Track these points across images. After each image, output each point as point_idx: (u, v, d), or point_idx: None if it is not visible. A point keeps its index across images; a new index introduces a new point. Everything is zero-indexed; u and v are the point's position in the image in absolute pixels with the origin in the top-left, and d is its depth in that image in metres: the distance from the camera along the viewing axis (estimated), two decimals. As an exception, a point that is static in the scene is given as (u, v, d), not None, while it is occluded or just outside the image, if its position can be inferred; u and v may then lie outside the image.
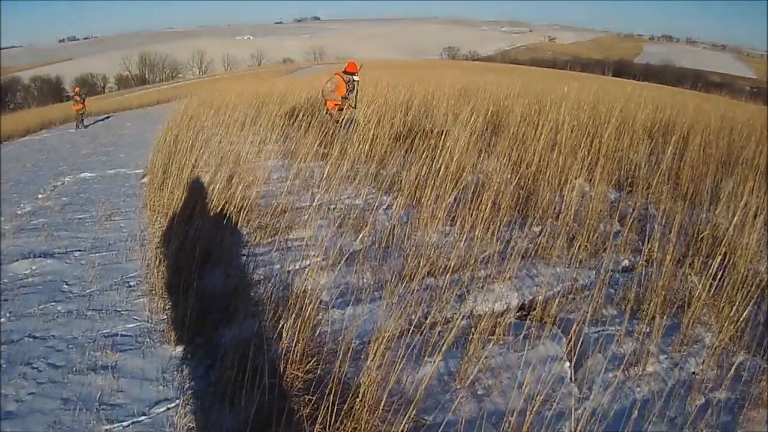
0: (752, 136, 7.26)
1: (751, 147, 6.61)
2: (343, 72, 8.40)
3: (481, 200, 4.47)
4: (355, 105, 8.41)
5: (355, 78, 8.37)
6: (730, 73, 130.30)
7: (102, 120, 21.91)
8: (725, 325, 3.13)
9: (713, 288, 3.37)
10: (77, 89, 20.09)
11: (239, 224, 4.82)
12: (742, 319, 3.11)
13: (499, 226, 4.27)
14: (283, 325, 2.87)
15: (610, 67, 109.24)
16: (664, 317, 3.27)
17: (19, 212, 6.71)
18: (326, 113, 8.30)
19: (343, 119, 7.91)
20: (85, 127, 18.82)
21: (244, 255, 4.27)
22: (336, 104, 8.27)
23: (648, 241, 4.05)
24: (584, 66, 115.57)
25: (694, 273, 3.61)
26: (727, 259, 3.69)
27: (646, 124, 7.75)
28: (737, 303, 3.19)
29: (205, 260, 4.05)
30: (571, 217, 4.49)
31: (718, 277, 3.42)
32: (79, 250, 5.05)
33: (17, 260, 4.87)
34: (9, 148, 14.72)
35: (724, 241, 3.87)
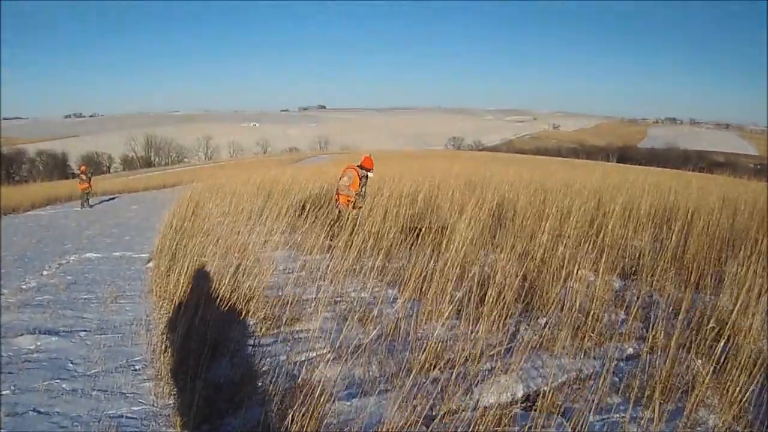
0: (754, 215, 7.49)
1: (753, 226, 6.81)
2: (358, 167, 8.50)
3: (486, 293, 4.58)
4: (365, 199, 8.55)
5: (370, 174, 8.54)
6: (734, 152, 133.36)
7: (108, 200, 22.34)
8: (728, 406, 3.21)
9: (717, 371, 3.46)
10: (83, 168, 20.55)
11: (245, 314, 4.93)
12: (745, 399, 3.20)
13: (505, 319, 4.38)
14: (289, 416, 2.95)
15: (615, 153, 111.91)
16: (668, 402, 3.34)
17: (24, 287, 6.84)
18: (336, 207, 8.40)
19: (355, 215, 7.98)
20: (90, 206, 19.09)
21: (250, 345, 4.37)
22: (349, 199, 8.32)
23: (652, 329, 4.13)
24: (589, 153, 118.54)
25: (697, 357, 3.70)
26: (730, 342, 3.77)
27: (649, 211, 7.93)
28: (741, 384, 3.27)
29: (212, 349, 4.15)
30: (576, 307, 4.58)
31: (722, 359, 3.51)
32: (85, 330, 5.14)
33: (22, 335, 4.97)
34: (15, 221, 14.99)
35: (728, 324, 3.99)
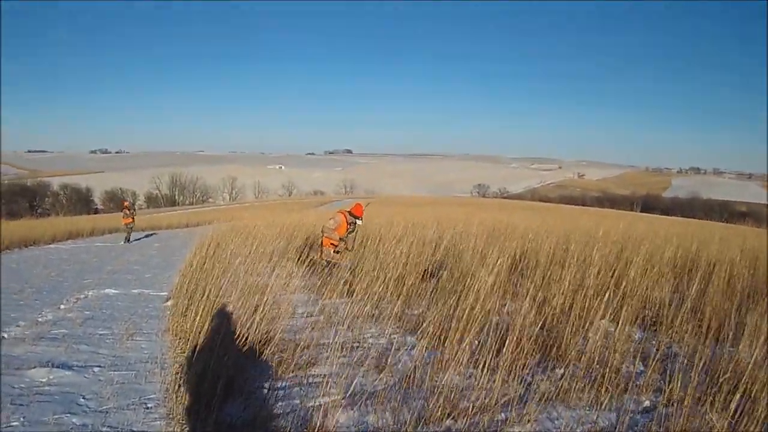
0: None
1: None
2: (348, 212, 8.68)
3: (505, 343, 4.60)
4: (353, 247, 8.65)
5: (358, 222, 8.69)
6: (756, 202, 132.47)
7: (146, 237, 22.96)
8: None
9: (732, 425, 3.47)
10: (126, 203, 21.52)
11: (261, 357, 4.99)
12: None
13: (522, 368, 4.38)
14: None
15: (639, 202, 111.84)
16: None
17: (40, 319, 7.00)
18: (318, 248, 8.55)
19: (340, 261, 8.10)
20: (129, 241, 19.76)
21: (264, 387, 4.41)
22: (333, 243, 8.46)
23: (669, 381, 4.13)
24: (613, 202, 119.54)
25: (714, 411, 3.70)
26: (746, 396, 3.79)
27: (672, 261, 7.98)
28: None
29: (226, 390, 4.20)
30: (595, 359, 4.60)
31: (737, 413, 3.54)
32: (99, 366, 5.23)
33: (35, 367, 5.10)
34: (35, 253, 15.35)
35: (744, 377, 3.98)
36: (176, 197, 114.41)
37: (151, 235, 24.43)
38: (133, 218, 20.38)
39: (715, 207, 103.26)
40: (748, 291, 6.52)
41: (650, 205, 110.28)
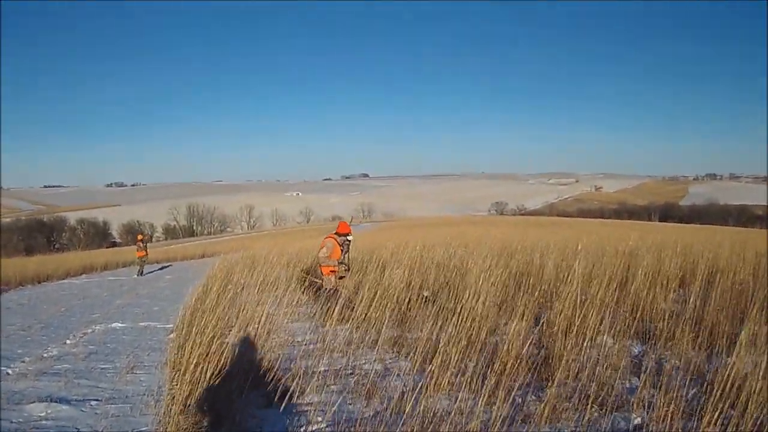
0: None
1: None
2: (335, 234, 8.56)
3: (499, 364, 4.65)
4: (349, 267, 8.62)
5: (350, 238, 8.57)
6: None
7: (161, 269, 23.30)
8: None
9: None
10: (140, 237, 22.04)
11: (255, 386, 5.08)
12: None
13: (515, 390, 4.40)
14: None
15: (657, 212, 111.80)
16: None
17: (45, 355, 7.18)
18: (320, 279, 8.50)
19: (341, 287, 8.06)
20: (142, 274, 20.15)
21: (254, 417, 4.51)
22: (332, 270, 8.33)
23: (662, 395, 4.10)
24: (631, 213, 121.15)
25: (702, 423, 3.70)
26: (737, 407, 3.82)
27: (676, 273, 7.93)
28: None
29: (217, 421, 4.30)
30: (594, 375, 4.62)
31: (727, 428, 3.56)
32: (96, 400, 5.36)
33: (34, 402, 5.25)
34: (47, 289, 15.69)
35: (733, 388, 3.99)
36: (194, 228, 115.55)
37: (167, 267, 24.77)
38: (146, 251, 20.73)
39: (732, 212, 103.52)
40: (746, 299, 6.49)
41: (668, 214, 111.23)
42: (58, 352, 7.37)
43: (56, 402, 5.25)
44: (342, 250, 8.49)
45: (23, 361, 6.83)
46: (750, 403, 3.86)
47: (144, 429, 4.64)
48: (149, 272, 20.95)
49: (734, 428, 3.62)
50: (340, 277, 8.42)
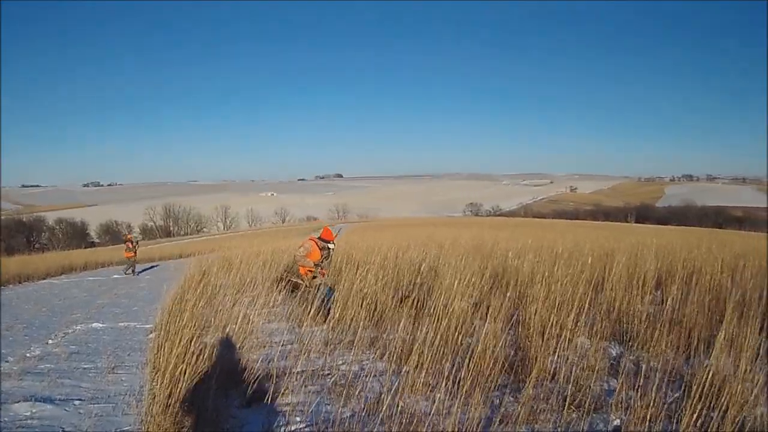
0: (758, 273, 7.63)
1: (758, 283, 6.93)
2: (318, 238, 8.55)
3: (474, 365, 4.75)
4: (329, 273, 8.62)
5: (331, 246, 8.55)
6: (752, 206, 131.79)
7: (150, 269, 23.33)
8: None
9: None
10: (129, 237, 21.76)
11: (233, 387, 5.18)
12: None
13: (491, 389, 4.53)
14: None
15: (633, 213, 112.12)
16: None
17: (28, 355, 7.18)
18: (295, 278, 8.57)
19: (316, 286, 8.00)
20: (135, 273, 20.26)
21: (232, 417, 4.62)
22: (309, 270, 8.33)
23: (641, 397, 4.18)
24: (606, 214, 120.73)
25: (682, 425, 3.79)
26: (717, 408, 3.92)
27: (654, 274, 8.03)
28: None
29: (196, 421, 4.41)
30: (567, 377, 4.67)
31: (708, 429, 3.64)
32: (80, 399, 5.40)
33: (18, 402, 5.28)
34: (28, 290, 15.50)
35: (723, 390, 4.09)
36: (171, 228, 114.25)
37: (154, 267, 24.71)
38: (135, 252, 20.65)
39: (710, 213, 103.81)
40: (723, 301, 6.51)
41: (644, 215, 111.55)
42: (40, 352, 7.37)
43: (41, 401, 5.28)
44: (322, 255, 8.48)
45: (7, 361, 6.82)
46: (730, 405, 3.96)
47: (127, 428, 4.73)
48: (148, 267, 20.89)
49: (714, 430, 3.72)
50: (313, 277, 8.38)
